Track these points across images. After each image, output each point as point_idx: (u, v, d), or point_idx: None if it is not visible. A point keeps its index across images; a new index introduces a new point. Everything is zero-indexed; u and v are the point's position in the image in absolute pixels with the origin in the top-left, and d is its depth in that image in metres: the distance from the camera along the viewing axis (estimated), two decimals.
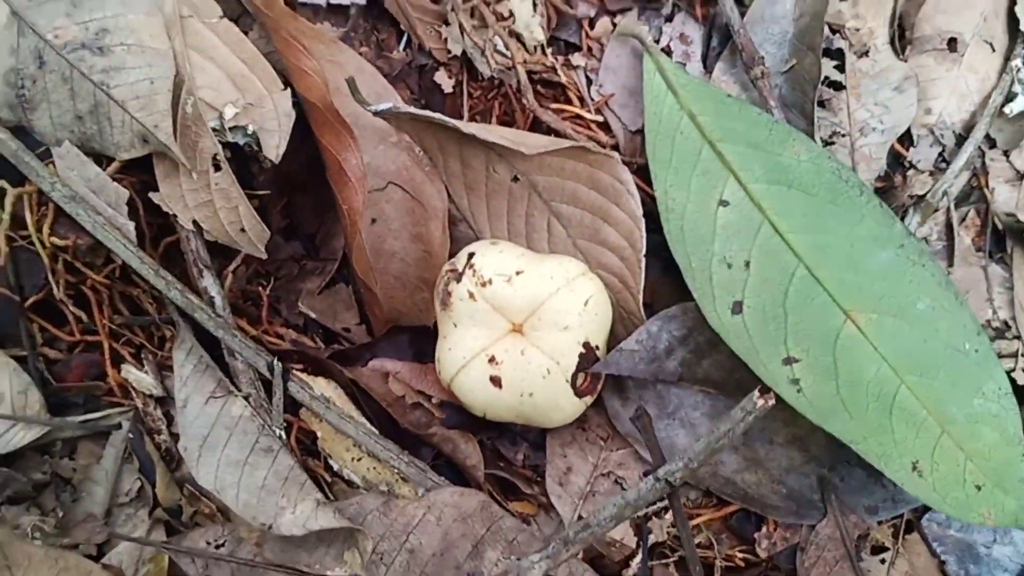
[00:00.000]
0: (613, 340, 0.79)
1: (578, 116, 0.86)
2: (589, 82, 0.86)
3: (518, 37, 0.84)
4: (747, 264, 0.75)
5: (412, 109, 0.77)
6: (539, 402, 0.75)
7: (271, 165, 0.79)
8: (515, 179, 0.81)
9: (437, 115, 0.77)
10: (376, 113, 0.76)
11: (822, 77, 0.82)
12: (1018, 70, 0.86)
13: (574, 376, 0.74)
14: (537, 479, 0.80)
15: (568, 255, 0.80)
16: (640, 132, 0.85)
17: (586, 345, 0.75)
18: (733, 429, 0.64)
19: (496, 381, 0.74)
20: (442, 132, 0.79)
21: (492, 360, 0.74)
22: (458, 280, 0.75)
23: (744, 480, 0.77)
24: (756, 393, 0.64)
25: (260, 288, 0.84)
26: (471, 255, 0.76)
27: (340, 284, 0.86)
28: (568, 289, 0.75)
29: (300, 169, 0.86)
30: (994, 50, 0.87)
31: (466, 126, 0.77)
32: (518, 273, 0.75)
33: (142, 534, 0.76)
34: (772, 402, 0.64)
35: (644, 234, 0.79)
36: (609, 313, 0.77)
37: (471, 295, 0.75)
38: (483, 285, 0.74)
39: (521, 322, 0.75)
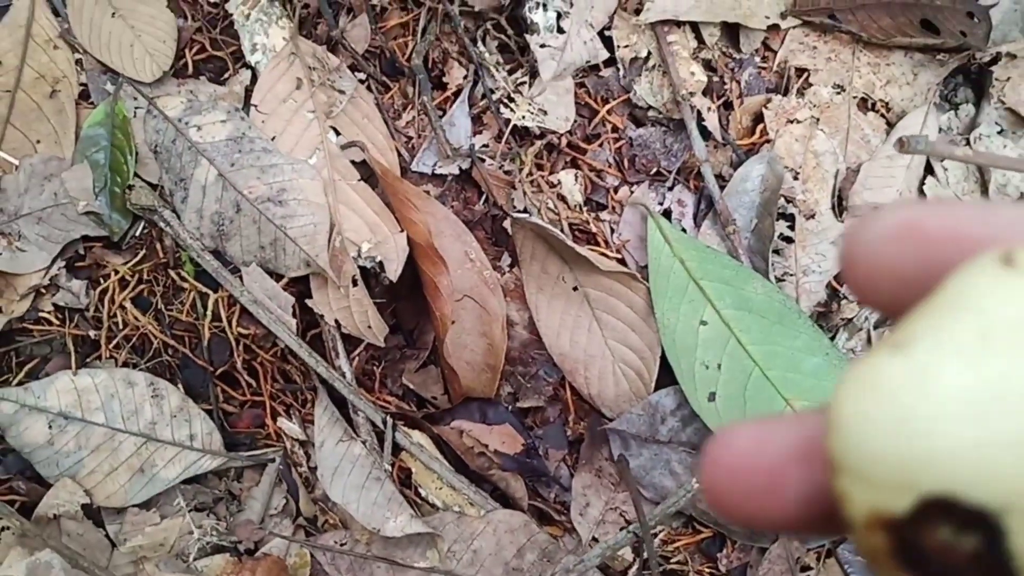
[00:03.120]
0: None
1: (603, 254, 1.20)
2: (612, 231, 1.20)
3: (563, 199, 1.19)
4: (719, 366, 1.08)
5: (542, 223, 1.11)
6: None
7: (388, 283, 1.15)
8: (575, 288, 1.15)
9: (556, 231, 1.10)
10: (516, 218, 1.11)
11: (777, 233, 1.16)
12: None
13: None
14: (564, 511, 1.11)
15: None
16: (647, 268, 1.19)
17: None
18: (678, 501, 0.96)
19: None
20: (545, 243, 1.12)
21: None
22: None
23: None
24: (694, 480, 0.96)
25: (374, 367, 1.19)
26: None
27: (431, 366, 1.20)
28: None
29: (402, 285, 1.21)
30: None
31: (568, 240, 1.10)
32: None
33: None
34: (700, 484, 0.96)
35: (661, 344, 1.12)
36: None
37: None
38: None
39: None
